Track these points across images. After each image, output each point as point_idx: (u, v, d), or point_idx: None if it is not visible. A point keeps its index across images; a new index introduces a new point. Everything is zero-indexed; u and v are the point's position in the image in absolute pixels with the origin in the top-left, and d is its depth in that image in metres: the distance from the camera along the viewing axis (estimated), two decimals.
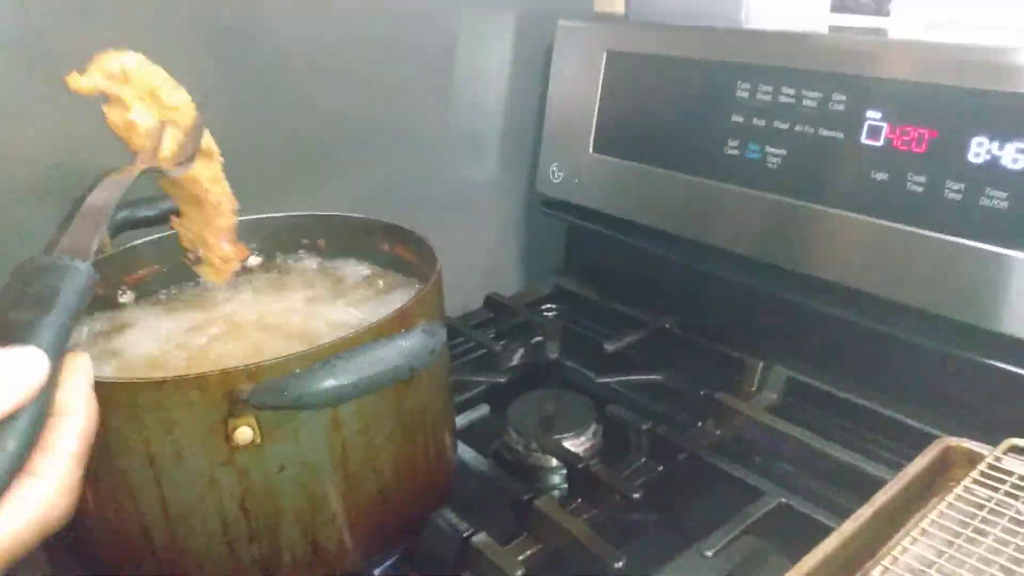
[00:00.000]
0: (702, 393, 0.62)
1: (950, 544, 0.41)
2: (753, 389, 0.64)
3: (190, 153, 0.40)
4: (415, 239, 0.52)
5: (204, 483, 0.38)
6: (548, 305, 0.81)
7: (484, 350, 0.73)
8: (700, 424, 0.61)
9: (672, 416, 0.62)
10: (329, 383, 0.34)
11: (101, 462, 0.39)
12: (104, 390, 0.31)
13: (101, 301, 0.51)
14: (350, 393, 0.34)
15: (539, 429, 0.60)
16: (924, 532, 0.42)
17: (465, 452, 0.57)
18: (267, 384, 0.35)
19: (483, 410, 0.63)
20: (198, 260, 0.46)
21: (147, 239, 0.54)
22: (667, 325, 0.72)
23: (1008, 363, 0.54)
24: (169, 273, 0.54)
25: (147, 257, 0.54)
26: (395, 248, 0.55)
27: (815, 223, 0.61)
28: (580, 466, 0.55)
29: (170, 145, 0.40)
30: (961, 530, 0.42)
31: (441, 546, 0.49)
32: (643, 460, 0.57)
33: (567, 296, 0.82)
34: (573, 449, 0.58)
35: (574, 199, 0.79)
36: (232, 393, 0.36)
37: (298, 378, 0.34)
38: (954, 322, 0.55)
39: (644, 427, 0.58)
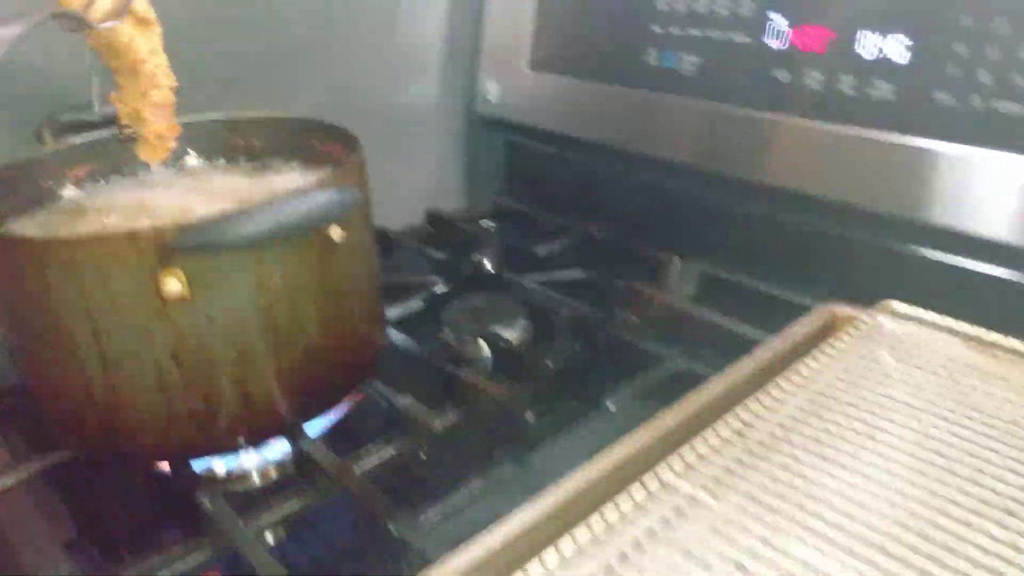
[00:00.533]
0: (620, 284, 0.66)
1: (819, 392, 0.46)
2: (670, 283, 0.69)
3: (120, 10, 0.42)
4: (343, 134, 0.55)
5: (138, 335, 0.42)
6: (487, 221, 0.85)
7: (424, 259, 0.77)
8: (619, 312, 0.65)
9: (594, 307, 0.67)
10: (249, 227, 0.37)
11: (42, 318, 0.43)
12: (44, 247, 0.34)
13: (46, 194, 0.54)
14: (266, 235, 0.38)
15: (471, 322, 0.64)
16: (790, 380, 0.47)
17: (397, 337, 0.61)
18: (191, 227, 0.38)
19: (418, 306, 0.67)
20: (134, 137, 0.48)
21: (88, 139, 0.57)
22: (594, 231, 0.76)
23: (892, 240, 0.59)
24: (109, 173, 0.57)
25: (87, 155, 0.57)
26: (326, 146, 0.58)
27: (729, 125, 0.65)
28: (502, 345, 0.59)
29: (103, 5, 0.42)
30: (829, 377, 0.47)
31: (370, 410, 0.53)
32: (564, 343, 0.62)
33: (507, 212, 0.86)
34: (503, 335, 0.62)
35: (512, 117, 0.82)
36: (160, 243, 0.39)
37: (219, 222, 0.38)
38: (852, 206, 0.60)
39: (565, 313, 0.62)
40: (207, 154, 0.60)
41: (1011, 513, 0.36)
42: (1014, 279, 0.55)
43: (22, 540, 0.45)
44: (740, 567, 0.34)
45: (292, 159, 0.59)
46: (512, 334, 0.63)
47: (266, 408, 0.47)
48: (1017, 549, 0.34)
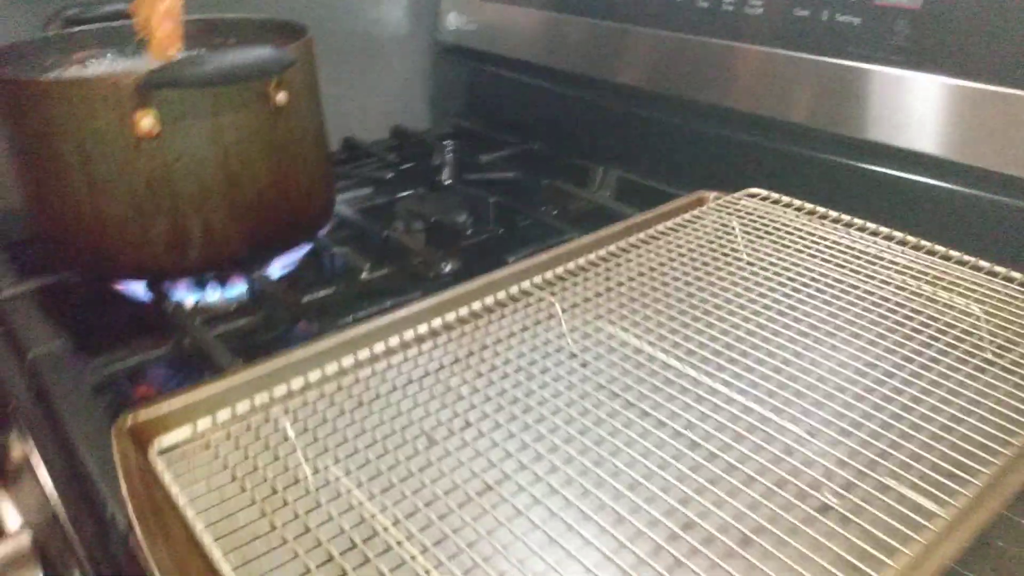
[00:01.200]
0: (545, 183, 0.76)
1: (672, 243, 0.56)
2: (592, 185, 0.79)
3: None
4: (299, 28, 0.65)
5: (119, 164, 0.53)
6: (447, 141, 0.95)
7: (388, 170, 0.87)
8: (543, 208, 0.75)
9: (519, 200, 0.77)
10: (204, 67, 0.48)
11: (42, 149, 0.53)
12: (43, 88, 0.44)
13: (50, 69, 0.65)
14: (216, 75, 0.49)
15: (417, 213, 0.75)
16: (648, 235, 0.57)
17: (351, 212, 0.72)
18: (158, 69, 0.49)
19: (371, 194, 0.78)
20: (146, 40, 0.59)
21: (95, 26, 0.68)
22: (535, 146, 0.86)
23: (788, 144, 0.69)
24: (106, 54, 0.68)
25: (92, 40, 0.67)
26: (286, 39, 0.68)
27: (661, 48, 0.75)
28: (434, 221, 0.70)
29: None
30: (684, 235, 0.58)
31: (318, 264, 0.64)
32: (488, 225, 0.72)
33: (465, 132, 0.96)
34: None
35: (470, 44, 0.92)
36: (135, 86, 0.50)
37: (180, 63, 0.49)
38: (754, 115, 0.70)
39: (492, 199, 0.72)
40: (192, 47, 0.70)
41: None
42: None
43: (25, 334, 0.56)
44: (574, 355, 0.45)
45: None
46: (450, 220, 0.74)
47: (225, 241, 0.57)
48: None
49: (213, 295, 0.63)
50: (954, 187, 0.58)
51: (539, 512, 0.34)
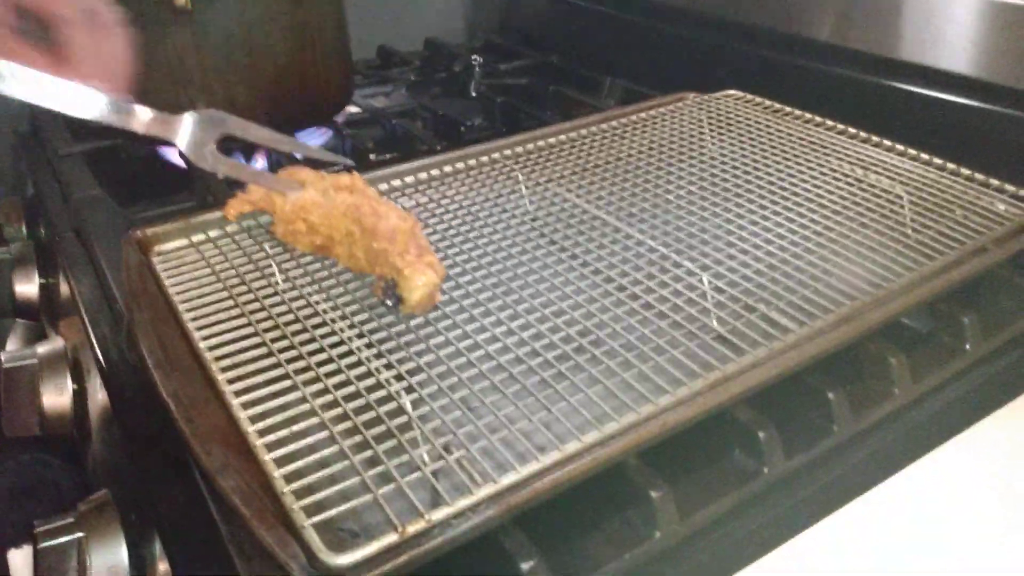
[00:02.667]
0: (552, 88, 0.81)
1: (635, 130, 0.61)
2: (600, 96, 0.83)
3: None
4: None
5: (157, 34, 0.61)
6: (475, 56, 1.01)
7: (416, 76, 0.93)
8: (549, 112, 0.80)
9: (527, 104, 0.82)
10: None
11: None
12: None
13: None
14: None
15: (432, 109, 0.81)
16: (620, 124, 0.62)
17: (368, 104, 0.79)
18: None
19: (393, 91, 0.85)
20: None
21: None
22: (552, 59, 0.91)
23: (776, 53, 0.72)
24: None
25: None
26: None
27: None
28: (441, 113, 0.76)
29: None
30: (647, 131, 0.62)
31: (332, 144, 0.71)
32: (495, 125, 0.78)
33: (495, 48, 1.01)
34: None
35: None
36: None
37: None
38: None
39: (499, 99, 0.78)
40: None
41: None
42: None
43: (73, 184, 0.65)
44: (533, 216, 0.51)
45: None
46: (456, 115, 0.80)
47: (247, 114, 0.65)
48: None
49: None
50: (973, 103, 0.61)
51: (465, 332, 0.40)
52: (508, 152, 0.57)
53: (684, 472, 0.35)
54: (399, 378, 0.35)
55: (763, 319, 0.39)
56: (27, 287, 0.66)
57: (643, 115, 0.63)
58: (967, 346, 0.43)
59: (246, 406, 0.34)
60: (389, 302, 0.40)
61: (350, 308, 0.41)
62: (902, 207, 0.47)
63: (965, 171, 0.51)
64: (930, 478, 0.37)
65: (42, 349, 0.55)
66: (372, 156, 0.69)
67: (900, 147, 0.55)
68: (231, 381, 0.35)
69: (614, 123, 0.62)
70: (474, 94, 0.91)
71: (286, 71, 0.65)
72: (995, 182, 0.50)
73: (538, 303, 0.41)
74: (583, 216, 0.49)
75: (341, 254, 0.43)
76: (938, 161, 0.53)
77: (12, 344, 0.74)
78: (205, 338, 0.38)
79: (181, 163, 0.69)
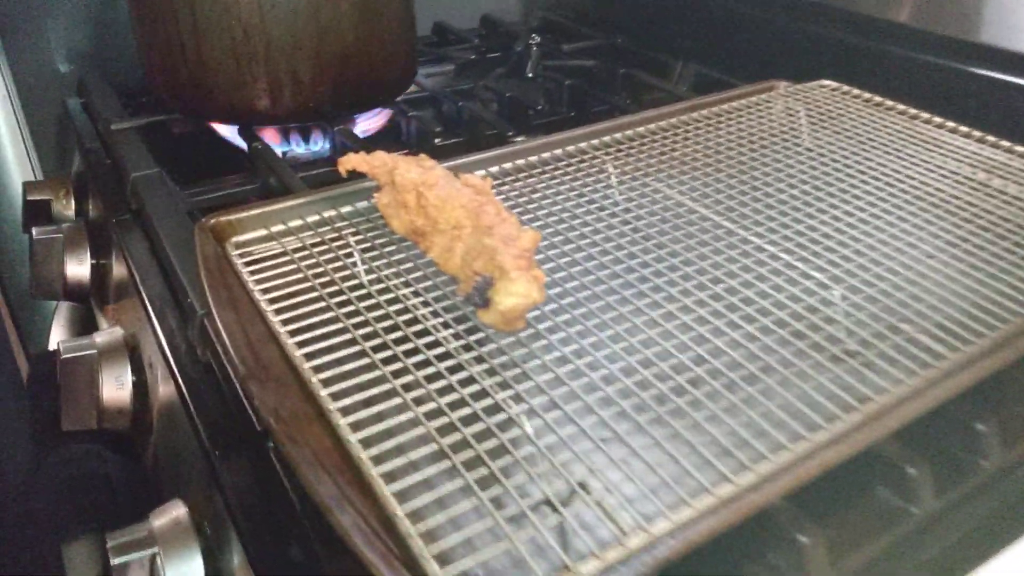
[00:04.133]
0: (622, 72, 0.77)
1: (738, 125, 0.57)
2: (672, 80, 0.79)
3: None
4: None
5: (221, 8, 0.57)
6: (534, 35, 0.97)
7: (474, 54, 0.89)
8: (619, 97, 0.76)
9: (596, 88, 0.78)
10: None
11: None
12: None
13: None
14: None
15: (495, 90, 0.77)
16: (716, 115, 0.58)
17: (430, 84, 0.75)
18: None
19: (453, 70, 0.81)
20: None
21: None
22: (618, 40, 0.87)
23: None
24: None
25: None
26: None
27: None
28: (508, 95, 0.72)
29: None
30: (749, 118, 0.58)
31: (395, 126, 0.68)
32: (563, 109, 0.74)
33: (553, 26, 0.97)
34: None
35: None
36: None
37: None
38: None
39: (567, 82, 0.74)
40: None
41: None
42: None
43: (129, 161, 0.62)
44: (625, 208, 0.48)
45: None
46: (524, 98, 0.76)
47: (312, 91, 0.61)
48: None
49: (299, 147, 0.68)
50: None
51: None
52: (595, 142, 0.54)
53: (825, 513, 0.32)
54: (518, 399, 0.32)
55: (910, 342, 0.35)
56: (78, 268, 0.63)
57: (734, 104, 0.59)
58: None
59: (355, 428, 0.31)
60: (474, 302, 0.36)
61: (452, 315, 0.37)
62: None
63: None
64: None
65: (101, 339, 0.52)
66: (437, 140, 0.66)
67: (1020, 148, 0.51)
68: (335, 397, 0.32)
69: (704, 112, 0.58)
70: (530, 75, 0.87)
71: (352, 48, 0.61)
72: None
73: (643, 322, 0.37)
74: (690, 216, 0.46)
75: (436, 245, 0.39)
76: None
77: (58, 328, 0.72)
78: (300, 345, 0.35)
79: (238, 141, 0.66)
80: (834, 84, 0.61)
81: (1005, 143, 0.52)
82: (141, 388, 0.51)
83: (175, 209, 0.55)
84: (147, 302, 0.49)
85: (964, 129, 0.53)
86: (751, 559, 0.30)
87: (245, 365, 0.34)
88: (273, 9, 0.57)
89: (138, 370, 0.52)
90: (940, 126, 0.54)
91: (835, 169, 0.50)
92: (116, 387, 0.50)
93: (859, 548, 0.31)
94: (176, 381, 0.43)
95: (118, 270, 0.59)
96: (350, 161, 0.43)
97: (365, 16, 0.61)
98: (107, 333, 0.53)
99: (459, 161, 0.50)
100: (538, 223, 0.45)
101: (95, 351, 0.50)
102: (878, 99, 0.58)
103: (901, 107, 0.57)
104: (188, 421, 0.41)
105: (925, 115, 0.55)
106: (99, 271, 0.63)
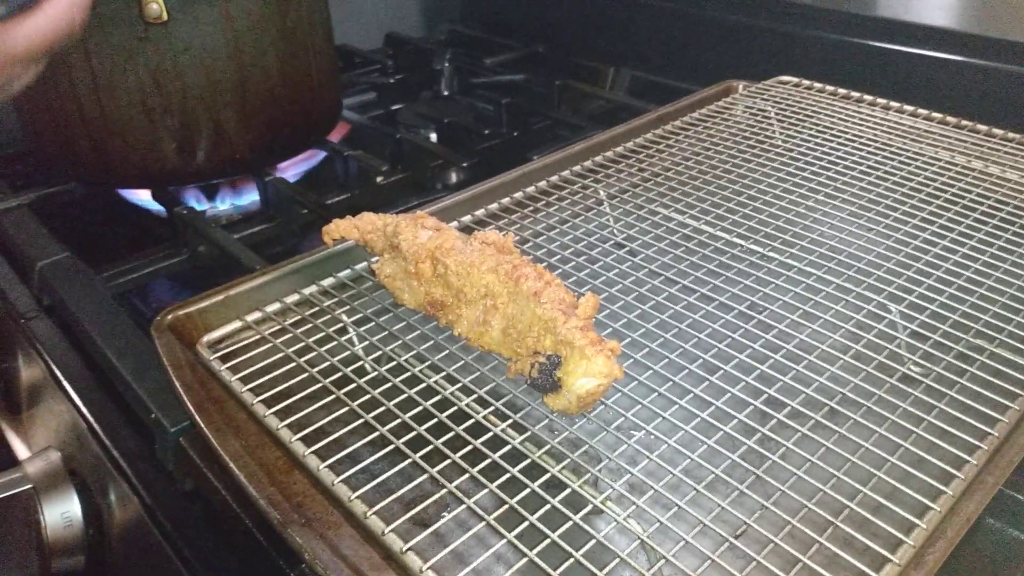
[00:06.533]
0: (558, 83, 0.73)
1: (708, 128, 0.54)
2: (605, 84, 0.76)
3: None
4: None
5: (124, 55, 0.49)
6: (449, 52, 0.91)
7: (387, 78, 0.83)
8: (559, 108, 0.73)
9: (534, 103, 0.73)
10: None
11: None
12: None
13: None
14: None
15: (423, 116, 0.72)
16: (683, 122, 0.55)
17: (356, 117, 0.68)
18: None
19: (373, 99, 0.75)
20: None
21: None
22: (539, 49, 0.83)
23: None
24: None
25: None
26: None
27: None
28: (446, 121, 0.67)
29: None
30: (718, 121, 0.56)
31: (329, 167, 0.61)
32: (503, 128, 0.69)
33: (464, 40, 0.92)
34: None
35: None
36: None
37: None
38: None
39: (504, 101, 0.70)
40: None
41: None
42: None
43: (28, 247, 0.53)
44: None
45: None
46: (464, 122, 0.71)
47: (236, 141, 0.54)
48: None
49: (224, 204, 0.60)
50: (982, 62, 0.57)
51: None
52: (578, 168, 0.49)
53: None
54: (619, 500, 0.27)
55: (994, 358, 0.33)
56: None
57: (701, 112, 0.56)
58: None
59: (434, 568, 0.25)
60: (540, 386, 0.31)
61: (491, 394, 0.32)
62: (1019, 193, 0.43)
63: None
64: None
65: (33, 467, 0.43)
66: (380, 179, 0.60)
67: (999, 131, 0.50)
68: (403, 536, 0.26)
69: (677, 123, 0.54)
70: (446, 92, 0.82)
71: (278, 86, 0.54)
72: None
73: (710, 357, 0.33)
74: (703, 239, 0.42)
75: (464, 318, 0.33)
76: None
77: None
78: (334, 469, 0.29)
79: (154, 205, 0.57)
80: (793, 79, 0.59)
81: (981, 126, 0.51)
82: (94, 519, 0.43)
83: (99, 299, 0.46)
84: (87, 414, 0.41)
85: (937, 115, 0.53)
86: None
87: (277, 508, 0.27)
88: (186, 51, 0.50)
89: (87, 498, 0.43)
90: (913, 115, 0.53)
91: (833, 171, 0.47)
92: (63, 524, 0.42)
93: None
94: (153, 517, 0.36)
95: (29, 373, 0.50)
96: (337, 229, 0.37)
97: (290, 50, 0.54)
98: (41, 459, 0.44)
99: (439, 205, 0.45)
100: (558, 272, 0.40)
101: (30, 485, 0.42)
102: (842, 91, 0.57)
103: (869, 98, 0.55)
104: (180, 564, 0.34)
105: (895, 104, 0.54)
106: (4, 379, 0.53)
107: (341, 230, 0.37)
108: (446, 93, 0.80)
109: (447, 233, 0.34)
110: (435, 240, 0.34)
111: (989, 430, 0.29)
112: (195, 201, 0.58)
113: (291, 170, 0.62)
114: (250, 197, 0.59)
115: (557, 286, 0.31)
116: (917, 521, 0.26)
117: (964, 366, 0.32)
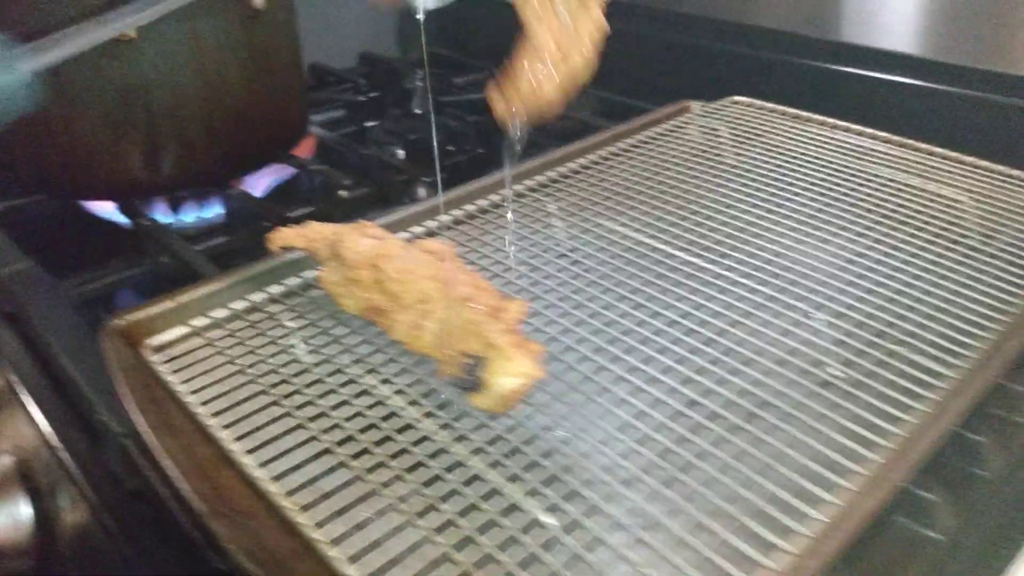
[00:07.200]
0: None
1: (663, 147, 0.56)
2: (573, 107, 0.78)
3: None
4: None
5: (92, 71, 0.50)
6: (418, 70, 0.93)
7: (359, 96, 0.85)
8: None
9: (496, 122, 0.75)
10: None
11: None
12: None
13: None
14: None
15: (392, 134, 0.73)
16: (637, 140, 0.57)
17: (322, 133, 0.70)
18: None
19: (344, 115, 0.76)
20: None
21: None
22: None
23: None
24: None
25: None
26: None
27: None
28: (412, 138, 0.68)
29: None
30: (672, 141, 0.57)
31: (294, 181, 0.62)
32: (469, 146, 0.71)
33: (437, 60, 0.93)
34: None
35: None
36: None
37: None
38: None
39: (471, 119, 0.71)
40: None
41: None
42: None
43: None
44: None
45: None
46: (429, 139, 0.72)
47: (202, 155, 0.55)
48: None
49: (189, 216, 0.61)
50: (933, 85, 0.59)
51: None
52: (530, 182, 0.51)
53: (853, 552, 0.30)
54: (533, 493, 0.28)
55: (907, 363, 0.34)
56: None
57: (656, 129, 0.58)
58: None
59: (354, 560, 0.26)
60: (463, 386, 0.32)
61: (430, 400, 0.33)
62: (971, 219, 0.44)
63: (1018, 173, 0.49)
64: None
65: None
66: (344, 193, 0.61)
67: (940, 150, 0.52)
68: (321, 525, 0.27)
69: (630, 140, 0.56)
70: (418, 111, 0.83)
71: (244, 103, 0.56)
72: None
73: (627, 392, 0.34)
74: (638, 250, 0.43)
75: (401, 323, 0.34)
76: (984, 163, 0.50)
77: None
78: (264, 465, 0.30)
79: (119, 218, 0.58)
80: (747, 100, 0.61)
81: (923, 145, 0.53)
82: (44, 523, 0.43)
83: (59, 306, 0.47)
84: (41, 420, 0.42)
85: (882, 134, 0.54)
86: None
87: (205, 501, 0.28)
88: (154, 68, 0.51)
89: (37, 499, 0.44)
90: (860, 134, 0.55)
91: (774, 188, 0.49)
92: (12, 526, 0.43)
93: None
94: (99, 519, 0.36)
95: None
96: (283, 238, 0.38)
97: (256, 65, 0.56)
98: None
99: (387, 219, 0.46)
100: (499, 281, 0.41)
101: None
102: (794, 111, 0.58)
103: (818, 118, 0.57)
104: (123, 566, 0.34)
105: (843, 124, 0.56)
106: None
107: (286, 238, 0.38)
108: (418, 111, 0.82)
109: (388, 242, 0.35)
110: (376, 248, 0.35)
111: (895, 429, 0.31)
112: (161, 214, 0.59)
113: (259, 185, 0.63)
114: (215, 210, 0.60)
115: (490, 292, 0.32)
116: (818, 515, 0.27)
117: (880, 371, 0.34)
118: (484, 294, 0.32)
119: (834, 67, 0.65)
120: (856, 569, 0.29)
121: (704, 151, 0.55)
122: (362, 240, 0.35)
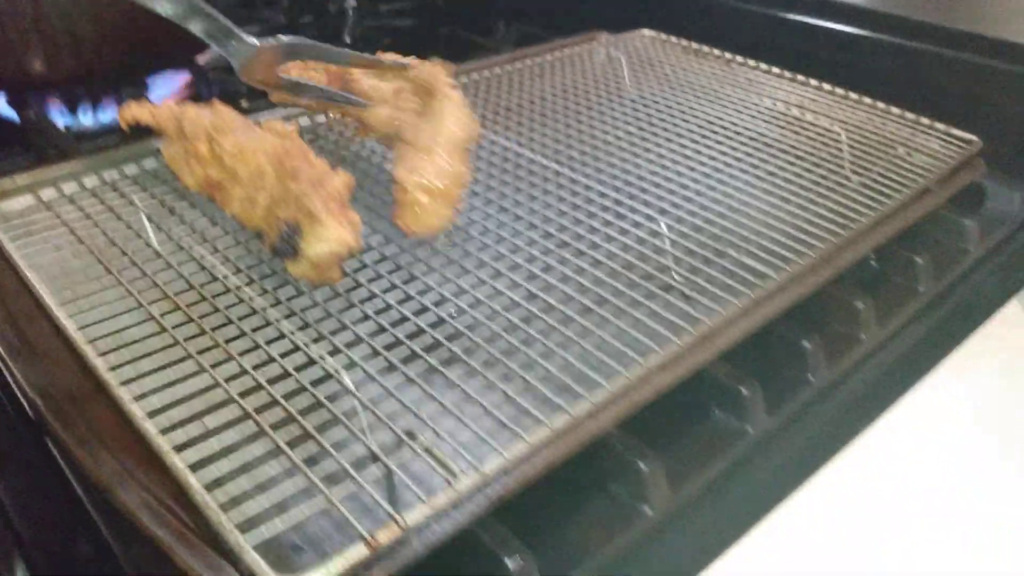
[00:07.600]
0: (443, 30, 0.75)
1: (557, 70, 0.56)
2: (496, 38, 0.78)
3: None
4: None
5: None
6: None
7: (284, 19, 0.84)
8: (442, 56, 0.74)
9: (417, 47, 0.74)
10: None
11: None
12: None
13: None
14: None
15: None
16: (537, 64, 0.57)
17: None
18: None
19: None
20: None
21: None
22: (439, 1, 0.84)
23: None
24: None
25: None
26: None
27: None
28: None
29: None
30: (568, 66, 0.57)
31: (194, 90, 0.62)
32: None
33: None
34: None
35: None
36: None
37: None
38: None
39: (385, 41, 0.71)
40: None
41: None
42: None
43: None
44: None
45: None
46: None
47: (95, 50, 0.54)
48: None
49: (86, 119, 0.60)
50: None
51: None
52: None
53: (664, 438, 0.31)
54: (334, 352, 0.29)
55: (737, 265, 0.35)
56: None
57: (556, 55, 0.58)
58: (920, 287, 0.41)
59: (139, 398, 0.26)
60: (283, 254, 0.31)
61: (257, 272, 0.33)
62: (843, 147, 0.45)
63: (895, 110, 0.50)
64: (908, 420, 0.35)
65: None
66: (244, 103, 0.60)
67: (828, 86, 0.53)
68: (116, 367, 0.27)
69: (528, 62, 0.56)
70: (348, 40, 0.82)
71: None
72: (925, 120, 0.49)
73: (472, 265, 0.35)
74: (521, 163, 0.44)
75: (235, 197, 0.34)
76: (868, 100, 0.51)
77: None
78: (72, 315, 0.30)
79: (7, 112, 0.57)
80: (653, 33, 0.61)
81: (814, 82, 0.53)
82: None
83: None
84: None
85: (777, 70, 0.55)
86: (592, 490, 0.29)
87: (5, 342, 0.28)
88: None
89: None
90: (755, 68, 0.56)
91: (657, 112, 0.50)
92: None
93: (698, 472, 0.30)
94: None
95: None
96: (131, 110, 0.38)
97: None
98: None
99: (262, 115, 0.46)
100: (356, 172, 0.41)
101: None
102: (695, 46, 0.59)
103: (717, 52, 0.58)
104: None
105: (740, 59, 0.57)
106: None
107: (135, 112, 0.38)
108: (348, 40, 0.81)
109: (227, 116, 0.35)
110: (214, 121, 0.35)
111: (708, 321, 0.31)
112: (58, 114, 0.58)
113: (157, 87, 0.62)
114: (111, 114, 0.60)
115: (320, 168, 0.33)
116: (608, 386, 0.28)
117: (708, 270, 0.35)
118: (313, 168, 0.32)
119: (751, 8, 0.65)
120: (671, 452, 0.30)
121: (601, 77, 0.55)
122: (202, 113, 0.35)
